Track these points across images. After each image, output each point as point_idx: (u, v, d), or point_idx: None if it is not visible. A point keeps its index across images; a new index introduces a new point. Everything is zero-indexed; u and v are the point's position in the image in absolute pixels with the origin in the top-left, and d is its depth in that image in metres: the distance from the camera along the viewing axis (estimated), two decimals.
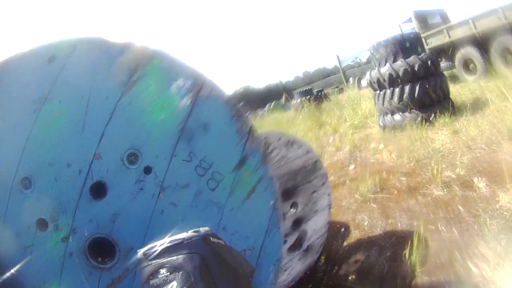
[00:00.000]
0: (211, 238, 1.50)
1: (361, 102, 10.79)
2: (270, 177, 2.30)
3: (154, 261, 1.38)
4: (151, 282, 1.34)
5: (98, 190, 2.12)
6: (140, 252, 1.46)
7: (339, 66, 25.46)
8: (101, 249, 2.17)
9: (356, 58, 25.84)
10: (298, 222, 3.18)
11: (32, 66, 2.21)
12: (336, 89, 20.84)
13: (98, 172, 2.12)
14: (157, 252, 1.40)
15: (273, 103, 23.08)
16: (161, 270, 1.34)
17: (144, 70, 2.18)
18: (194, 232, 1.49)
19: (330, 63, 28.84)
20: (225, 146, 2.22)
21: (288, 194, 3.17)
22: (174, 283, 1.29)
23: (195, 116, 2.20)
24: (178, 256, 1.36)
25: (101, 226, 2.14)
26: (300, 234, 3.18)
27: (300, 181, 3.23)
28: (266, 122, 15.83)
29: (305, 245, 3.18)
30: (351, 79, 22.09)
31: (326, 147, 7.73)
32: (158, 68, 2.20)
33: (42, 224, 2.14)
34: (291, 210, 3.18)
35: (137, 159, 2.16)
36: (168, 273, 1.32)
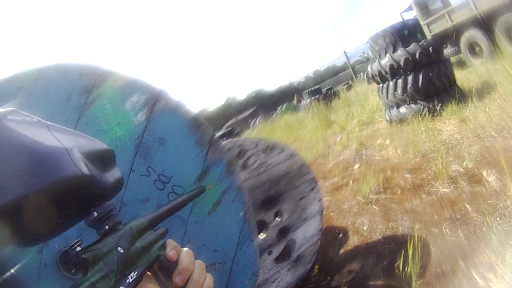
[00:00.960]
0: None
1: (369, 97, 10.50)
2: (238, 188, 2.23)
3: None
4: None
5: None
6: None
7: (347, 62, 25.23)
8: (71, 260, 2.15)
9: (363, 53, 25.59)
10: (284, 231, 2.94)
11: (2, 97, 2.22)
12: (346, 85, 20.55)
13: None
14: None
15: (285, 105, 22.87)
16: None
17: (99, 90, 2.24)
18: None
19: (339, 61, 28.49)
20: (184, 158, 2.24)
21: (271, 202, 2.93)
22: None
23: (151, 130, 2.23)
24: None
25: (69, 239, 2.14)
26: (288, 244, 2.93)
27: (284, 188, 2.97)
28: (276, 125, 15.63)
29: (294, 255, 2.93)
30: (361, 74, 21.76)
31: (333, 146, 7.41)
32: (112, 86, 2.25)
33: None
34: (276, 219, 2.91)
35: None
36: None
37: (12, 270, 2.14)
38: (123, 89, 2.25)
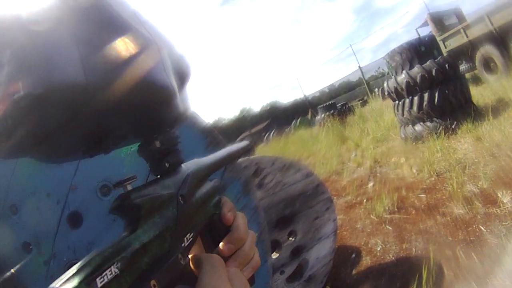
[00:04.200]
0: None
1: (384, 113, 10.46)
2: (254, 207, 2.19)
3: None
4: None
5: (75, 219, 2.17)
6: None
7: (362, 78, 25.20)
8: None
9: (378, 68, 25.57)
10: (297, 251, 2.94)
11: None
12: (360, 101, 20.50)
13: (74, 203, 2.18)
14: None
15: (299, 120, 22.88)
16: None
17: None
18: None
19: (354, 76, 28.51)
20: None
21: (286, 221, 2.94)
22: None
23: None
24: None
25: (78, 253, 2.19)
26: (301, 263, 2.93)
27: (299, 208, 2.98)
28: (290, 140, 15.62)
29: (306, 275, 2.92)
30: (376, 89, 21.72)
31: (347, 163, 7.39)
32: None
33: (26, 247, 2.24)
34: (289, 238, 2.92)
35: (110, 191, 2.18)
36: None
37: (12, 270, 2.27)
38: None
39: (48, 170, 2.23)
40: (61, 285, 0.37)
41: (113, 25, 0.47)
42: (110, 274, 0.39)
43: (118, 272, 0.40)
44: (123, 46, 0.46)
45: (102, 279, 0.38)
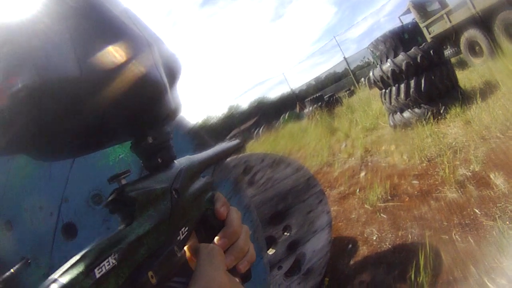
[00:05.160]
0: None
1: (371, 102, 10.48)
2: (246, 206, 2.18)
3: None
4: None
5: (69, 231, 2.18)
6: None
7: (348, 68, 25.27)
8: None
9: (364, 58, 25.64)
10: (293, 246, 2.92)
11: None
12: (347, 92, 20.54)
13: (67, 214, 2.19)
14: None
15: (287, 114, 22.86)
16: None
17: None
18: None
19: (340, 67, 28.59)
20: None
21: (279, 217, 2.91)
22: None
23: None
24: None
25: None
26: (298, 258, 2.91)
27: (292, 202, 2.95)
28: (280, 134, 15.61)
29: (304, 268, 2.91)
30: (362, 79, 21.77)
31: (338, 154, 7.37)
32: None
33: (25, 262, 1.95)
34: (284, 233, 2.90)
35: (102, 200, 2.19)
36: None
37: (11, 270, 2.27)
38: None
39: (39, 183, 2.22)
40: (59, 276, 0.38)
41: (106, 22, 0.48)
42: (108, 265, 0.40)
43: (116, 263, 0.41)
44: (115, 43, 0.47)
45: (100, 270, 0.39)
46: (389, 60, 6.71)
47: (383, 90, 7.07)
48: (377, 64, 7.14)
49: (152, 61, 0.51)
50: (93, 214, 2.19)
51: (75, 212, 2.20)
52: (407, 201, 3.77)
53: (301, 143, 10.54)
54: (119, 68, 0.46)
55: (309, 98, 17.43)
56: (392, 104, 6.81)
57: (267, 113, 31.92)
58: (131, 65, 0.47)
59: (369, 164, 5.81)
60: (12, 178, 2.28)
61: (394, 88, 6.68)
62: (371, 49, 7.41)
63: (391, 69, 6.57)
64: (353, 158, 6.61)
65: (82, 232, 2.19)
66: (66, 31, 0.43)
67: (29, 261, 2.08)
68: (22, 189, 2.26)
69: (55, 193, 2.22)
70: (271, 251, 2.81)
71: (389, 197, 4.05)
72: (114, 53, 0.46)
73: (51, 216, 2.20)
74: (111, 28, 0.48)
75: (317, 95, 17.46)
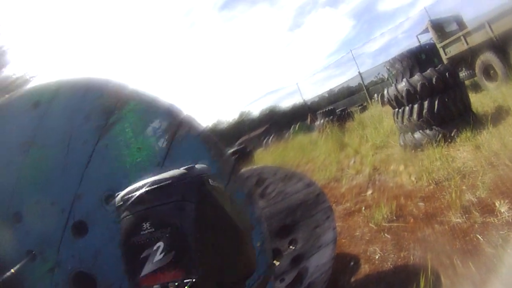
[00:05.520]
0: (209, 180, 1.12)
1: (383, 119, 10.49)
2: (257, 218, 2.19)
3: (134, 211, 1.04)
4: (131, 240, 1.01)
5: (80, 229, 2.20)
6: (119, 197, 1.12)
7: (362, 83, 25.29)
8: (85, 282, 2.21)
9: (378, 74, 25.65)
10: (298, 259, 2.98)
11: (18, 111, 2.35)
12: (360, 107, 20.55)
13: (79, 212, 2.20)
14: (137, 197, 1.05)
15: (298, 125, 22.90)
16: (144, 224, 1.00)
17: (121, 113, 2.21)
18: (186, 169, 1.12)
19: (354, 81, 28.64)
20: None
21: (287, 230, 2.98)
22: (160, 244, 0.96)
23: (172, 157, 2.15)
24: (165, 205, 1.01)
25: (83, 261, 2.20)
26: (300, 271, 2.97)
27: (300, 217, 3.02)
28: (289, 145, 15.63)
29: (306, 282, 2.97)
30: (375, 95, 21.80)
31: (346, 169, 7.40)
32: (134, 110, 2.21)
33: (31, 255, 2.27)
34: (290, 247, 2.96)
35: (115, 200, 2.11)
36: (153, 229, 0.98)
37: (12, 270, 2.23)
38: (144, 113, 2.22)
39: (53, 178, 2.24)
40: None
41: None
42: None
43: None
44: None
45: None
46: (404, 79, 6.75)
47: (396, 109, 7.08)
48: (392, 82, 7.19)
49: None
50: (105, 214, 2.19)
51: (87, 210, 2.21)
52: (412, 223, 3.81)
53: (310, 156, 10.58)
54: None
55: (321, 111, 17.51)
56: (404, 123, 6.82)
57: (278, 122, 31.96)
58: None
59: (377, 182, 5.85)
60: (26, 170, 2.29)
61: (407, 108, 6.69)
62: (388, 67, 7.46)
63: (406, 89, 6.60)
64: (361, 175, 6.63)
65: (92, 231, 2.19)
66: None
67: (34, 254, 2.28)
68: (35, 183, 2.27)
69: (69, 190, 2.23)
70: (275, 263, 2.88)
71: (394, 217, 4.08)
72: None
73: (63, 212, 2.22)
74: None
75: (330, 108, 17.54)
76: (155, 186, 1.05)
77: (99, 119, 2.24)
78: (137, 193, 1.06)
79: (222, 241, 1.06)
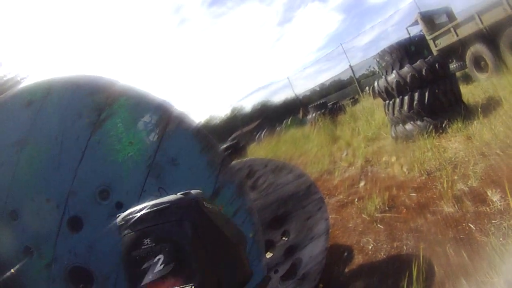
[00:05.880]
0: (204, 202, 1.26)
1: (375, 112, 10.52)
2: (248, 209, 2.22)
3: (136, 229, 1.17)
4: (133, 254, 1.12)
5: (75, 224, 2.22)
6: (120, 217, 1.26)
7: (353, 76, 25.37)
8: (82, 276, 2.24)
9: (369, 67, 25.74)
10: (291, 250, 2.98)
11: (12, 111, 2.35)
12: (351, 100, 20.59)
13: (74, 207, 2.22)
14: (138, 218, 1.19)
15: (290, 119, 22.91)
16: (144, 239, 1.12)
17: (112, 109, 2.25)
18: (182, 194, 1.25)
19: (345, 75, 28.72)
20: (195, 180, 2.21)
21: (279, 222, 2.98)
22: (161, 256, 1.08)
23: (163, 151, 2.22)
24: (164, 224, 1.15)
25: (79, 256, 2.23)
26: (294, 262, 2.97)
27: (292, 208, 3.02)
28: (282, 139, 15.66)
29: (300, 273, 2.97)
30: (367, 88, 21.85)
31: (338, 162, 7.44)
32: (124, 105, 2.25)
33: (28, 251, 2.29)
34: (283, 238, 2.96)
35: (109, 195, 2.23)
36: (153, 244, 1.11)
37: (12, 270, 2.29)
38: (135, 108, 2.25)
39: (47, 176, 2.26)
40: None
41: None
42: None
43: None
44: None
45: None
46: (394, 71, 6.75)
47: (387, 101, 7.10)
48: (383, 74, 7.20)
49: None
50: (100, 209, 2.21)
51: (82, 205, 2.23)
52: (404, 213, 3.83)
53: (303, 149, 10.58)
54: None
55: (312, 105, 17.48)
56: (395, 115, 6.84)
57: (270, 117, 31.95)
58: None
59: (369, 174, 5.86)
60: (21, 168, 2.29)
61: (397, 100, 6.72)
62: (378, 59, 7.45)
63: (396, 81, 6.61)
64: (353, 167, 6.67)
65: (87, 226, 2.21)
66: None
67: (31, 250, 2.28)
68: (30, 180, 2.27)
69: (63, 186, 2.24)
70: (269, 255, 2.88)
71: (387, 208, 4.10)
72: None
73: (58, 208, 2.23)
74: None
75: (321, 101, 17.50)
76: (155, 208, 1.19)
77: (90, 115, 2.26)
78: (138, 214, 1.19)
79: (217, 253, 1.19)
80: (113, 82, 2.32)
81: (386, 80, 6.88)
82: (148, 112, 2.24)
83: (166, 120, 2.24)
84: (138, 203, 2.09)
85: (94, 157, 2.24)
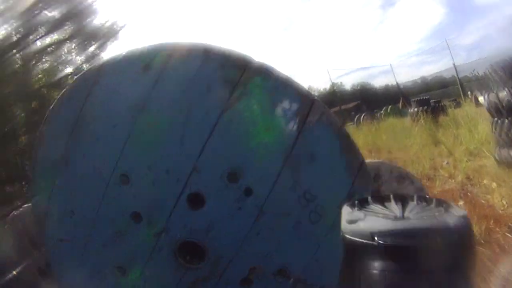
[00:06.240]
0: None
1: (478, 122, 9.91)
2: None
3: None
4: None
5: (195, 201, 2.24)
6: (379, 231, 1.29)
7: (456, 77, 24.30)
8: (190, 249, 2.32)
9: (473, 70, 24.44)
10: None
11: (127, 73, 2.30)
12: (454, 102, 19.89)
13: (197, 184, 2.22)
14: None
15: (389, 107, 22.68)
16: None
17: (246, 88, 2.15)
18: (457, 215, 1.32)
19: (448, 73, 27.54)
20: (332, 180, 2.16)
21: None
22: None
23: (302, 143, 2.14)
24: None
25: (196, 232, 2.26)
26: None
27: None
28: (381, 127, 15.76)
29: None
30: (469, 92, 20.93)
31: (439, 169, 7.38)
32: (261, 86, 2.15)
33: (136, 217, 2.33)
34: None
35: (238, 179, 2.20)
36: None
37: (13, 272, 2.44)
38: (273, 91, 2.14)
39: (167, 147, 2.25)
40: None
41: None
42: None
43: None
44: None
45: None
46: (506, 89, 6.23)
47: (496, 119, 6.65)
48: (494, 89, 6.70)
49: None
50: (226, 191, 2.20)
51: (206, 184, 2.22)
52: (497, 253, 3.64)
53: (403, 144, 10.60)
54: None
55: (415, 99, 17.27)
56: (502, 137, 6.36)
57: (369, 100, 31.61)
58: None
59: (468, 194, 5.61)
60: (136, 134, 2.27)
61: (506, 121, 6.24)
62: (489, 72, 6.99)
63: (507, 100, 6.14)
64: (453, 181, 6.47)
65: (209, 205, 2.23)
66: None
67: (140, 217, 2.33)
68: (147, 148, 2.26)
69: (186, 161, 2.21)
70: None
71: (482, 241, 3.89)
72: None
73: (177, 182, 2.23)
74: None
75: (424, 97, 17.27)
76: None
77: (221, 91, 2.16)
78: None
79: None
80: (247, 58, 2.18)
81: (497, 96, 6.44)
82: (287, 98, 2.13)
83: (306, 110, 2.11)
84: (269, 193, 2.18)
85: (224, 137, 2.17)
